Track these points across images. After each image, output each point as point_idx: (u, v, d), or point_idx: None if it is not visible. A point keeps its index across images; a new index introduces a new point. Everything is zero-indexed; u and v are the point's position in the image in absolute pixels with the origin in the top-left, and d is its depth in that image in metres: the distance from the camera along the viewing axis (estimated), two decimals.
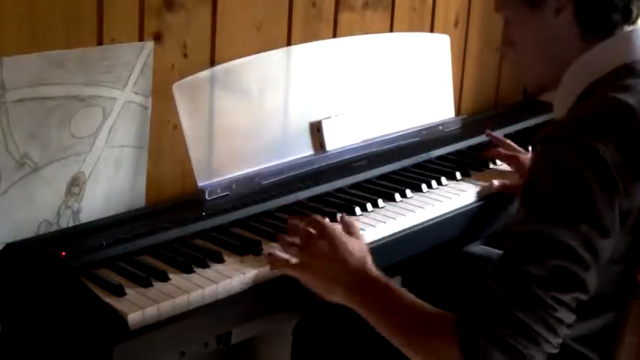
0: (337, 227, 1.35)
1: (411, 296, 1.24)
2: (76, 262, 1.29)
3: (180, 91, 1.54)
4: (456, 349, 1.13)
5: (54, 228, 1.43)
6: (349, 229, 1.36)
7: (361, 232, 1.42)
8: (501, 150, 1.89)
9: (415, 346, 1.20)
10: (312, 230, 1.34)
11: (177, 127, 1.57)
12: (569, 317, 1.13)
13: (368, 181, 1.78)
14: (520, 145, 1.92)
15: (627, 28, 1.28)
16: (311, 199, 1.65)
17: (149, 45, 1.50)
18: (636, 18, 1.28)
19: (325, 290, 1.30)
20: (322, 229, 1.33)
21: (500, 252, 1.19)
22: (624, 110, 1.17)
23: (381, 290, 1.25)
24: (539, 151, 1.18)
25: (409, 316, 1.21)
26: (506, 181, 1.81)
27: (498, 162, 1.94)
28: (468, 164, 1.92)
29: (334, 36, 1.89)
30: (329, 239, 1.31)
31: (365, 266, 1.29)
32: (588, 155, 1.11)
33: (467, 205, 1.75)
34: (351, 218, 1.56)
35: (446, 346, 1.14)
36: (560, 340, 1.13)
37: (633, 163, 1.13)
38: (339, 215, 1.55)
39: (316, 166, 1.79)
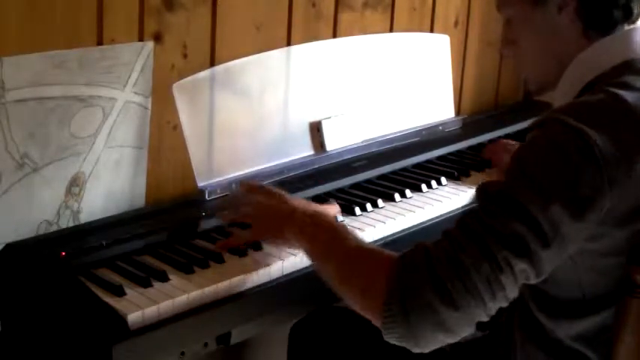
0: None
1: (358, 237, 1.26)
2: (76, 262, 1.29)
3: (180, 92, 1.54)
4: (390, 282, 1.11)
5: (54, 228, 1.42)
6: None
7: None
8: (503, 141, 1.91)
9: (350, 278, 1.19)
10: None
11: (177, 127, 1.57)
12: (511, 288, 1.10)
13: (368, 181, 1.78)
14: None
15: (627, 27, 1.28)
16: (311, 199, 1.65)
17: (149, 45, 1.50)
18: (636, 17, 1.29)
19: (272, 233, 1.37)
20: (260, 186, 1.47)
21: None
22: (621, 105, 1.17)
23: (326, 226, 1.28)
24: (534, 132, 1.18)
25: (352, 248, 1.22)
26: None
27: None
28: (468, 164, 1.93)
29: (334, 36, 1.89)
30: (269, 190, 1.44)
31: (311, 205, 1.40)
32: (581, 140, 1.11)
33: (467, 205, 1.75)
34: (350, 218, 1.58)
35: (382, 277, 1.13)
36: (492, 310, 1.11)
37: (623, 157, 1.12)
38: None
39: (316, 166, 1.79)
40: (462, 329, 1.11)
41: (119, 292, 1.22)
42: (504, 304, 1.12)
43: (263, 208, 1.40)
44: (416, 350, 1.13)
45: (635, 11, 1.28)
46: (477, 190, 1.18)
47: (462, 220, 1.14)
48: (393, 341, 1.13)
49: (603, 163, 1.11)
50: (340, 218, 1.53)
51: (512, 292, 1.11)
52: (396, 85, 2.01)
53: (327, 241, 1.26)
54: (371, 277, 1.15)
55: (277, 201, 1.39)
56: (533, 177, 1.12)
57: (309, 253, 1.29)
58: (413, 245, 1.15)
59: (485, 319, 1.12)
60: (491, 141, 2.11)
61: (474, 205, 1.16)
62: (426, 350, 1.13)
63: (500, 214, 1.11)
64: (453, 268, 1.09)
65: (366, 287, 1.16)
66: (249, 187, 1.48)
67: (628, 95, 1.18)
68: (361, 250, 1.23)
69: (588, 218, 1.12)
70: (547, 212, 1.10)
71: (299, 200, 1.42)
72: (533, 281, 1.13)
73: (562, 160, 1.12)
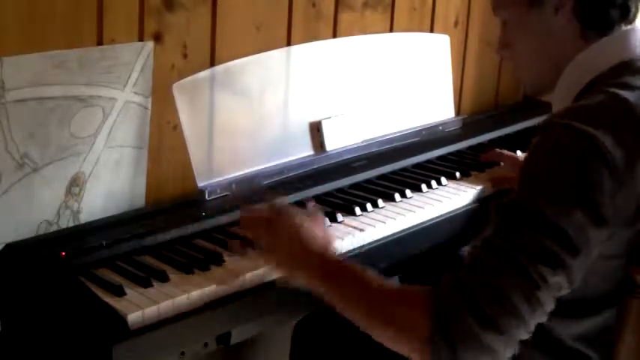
0: (297, 211, 1.31)
1: (379, 276, 1.20)
2: (76, 262, 1.29)
3: (180, 92, 1.54)
4: (428, 318, 1.09)
5: (54, 228, 1.42)
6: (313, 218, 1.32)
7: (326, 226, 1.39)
8: (498, 150, 1.90)
9: (386, 321, 1.15)
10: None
11: (177, 127, 1.57)
12: (548, 303, 1.09)
13: (368, 181, 1.78)
14: (520, 145, 1.92)
15: (624, 27, 1.28)
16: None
17: (149, 45, 1.50)
18: (633, 17, 1.29)
19: (287, 272, 1.27)
20: (280, 213, 1.30)
21: None
22: (623, 105, 1.17)
23: (347, 271, 1.21)
24: (538, 138, 1.17)
25: (379, 291, 1.17)
26: (502, 174, 1.83)
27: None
28: (468, 164, 1.93)
29: (334, 36, 1.89)
30: (289, 222, 1.28)
31: (327, 250, 1.25)
32: (588, 142, 1.11)
33: (467, 205, 1.75)
34: (350, 218, 1.57)
35: (420, 315, 1.10)
36: (532, 327, 1.10)
37: (630, 157, 1.12)
38: (339, 215, 1.56)
39: (316, 166, 1.79)
40: (508, 351, 1.10)
41: (119, 292, 1.22)
42: (543, 320, 1.11)
43: (281, 244, 1.28)
44: None
45: (632, 10, 1.28)
46: (494, 209, 1.16)
47: (487, 242, 1.12)
48: None
49: (613, 164, 1.11)
50: (328, 224, 1.52)
51: (550, 306, 1.10)
52: (395, 85, 2.01)
53: (352, 286, 1.19)
54: (408, 317, 1.12)
55: (295, 238, 1.27)
56: (547, 186, 1.11)
57: (331, 297, 1.21)
58: (444, 280, 1.12)
59: (526, 337, 1.10)
60: (481, 145, 2.10)
61: (497, 224, 1.13)
62: None
63: (524, 229, 1.10)
64: (492, 293, 1.07)
65: (404, 328, 1.12)
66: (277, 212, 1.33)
67: (629, 95, 1.18)
68: (390, 291, 1.18)
69: (607, 221, 1.11)
70: (569, 218, 1.09)
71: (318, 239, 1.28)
72: (564, 292, 1.11)
73: (575, 166, 1.11)
